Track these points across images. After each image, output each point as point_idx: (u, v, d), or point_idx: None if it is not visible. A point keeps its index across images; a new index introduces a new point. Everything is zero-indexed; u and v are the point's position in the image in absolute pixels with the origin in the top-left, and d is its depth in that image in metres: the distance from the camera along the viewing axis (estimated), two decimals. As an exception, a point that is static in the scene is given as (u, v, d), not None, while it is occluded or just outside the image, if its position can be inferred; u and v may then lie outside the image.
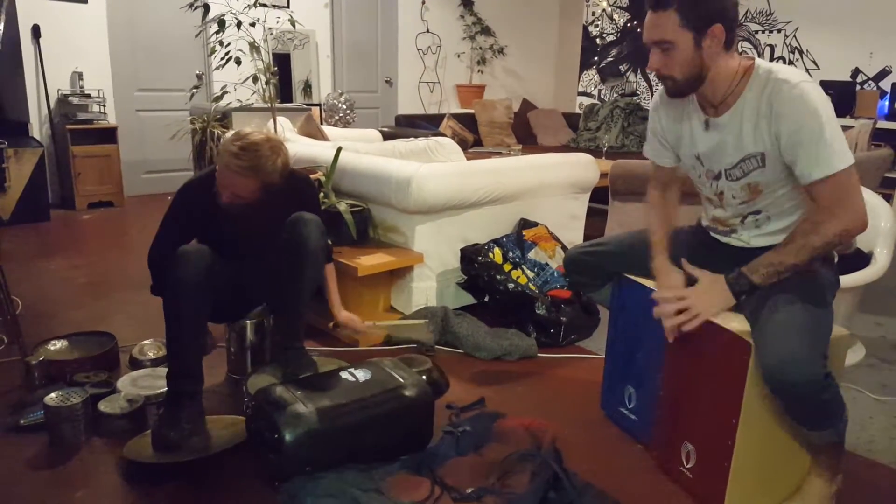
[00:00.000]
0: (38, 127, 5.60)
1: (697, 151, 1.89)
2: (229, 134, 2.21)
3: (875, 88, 6.08)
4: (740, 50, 6.82)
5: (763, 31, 6.77)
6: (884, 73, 6.04)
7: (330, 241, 2.49)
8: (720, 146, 1.82)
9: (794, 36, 6.55)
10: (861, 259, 2.70)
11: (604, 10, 8.29)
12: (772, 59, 6.70)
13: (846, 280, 2.52)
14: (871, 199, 2.83)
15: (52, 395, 2.15)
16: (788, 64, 6.52)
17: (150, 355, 2.70)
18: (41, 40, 5.48)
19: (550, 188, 3.63)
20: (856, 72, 6.20)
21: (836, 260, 1.90)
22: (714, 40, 1.69)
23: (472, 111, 7.18)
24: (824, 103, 1.64)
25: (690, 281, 1.91)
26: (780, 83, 1.67)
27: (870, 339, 3.12)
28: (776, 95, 1.67)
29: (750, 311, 1.74)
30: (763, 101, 1.69)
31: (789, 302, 1.65)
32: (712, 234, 2.03)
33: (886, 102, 5.85)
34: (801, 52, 6.53)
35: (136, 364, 2.66)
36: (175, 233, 2.26)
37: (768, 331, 1.63)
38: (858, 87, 6.14)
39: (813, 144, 1.63)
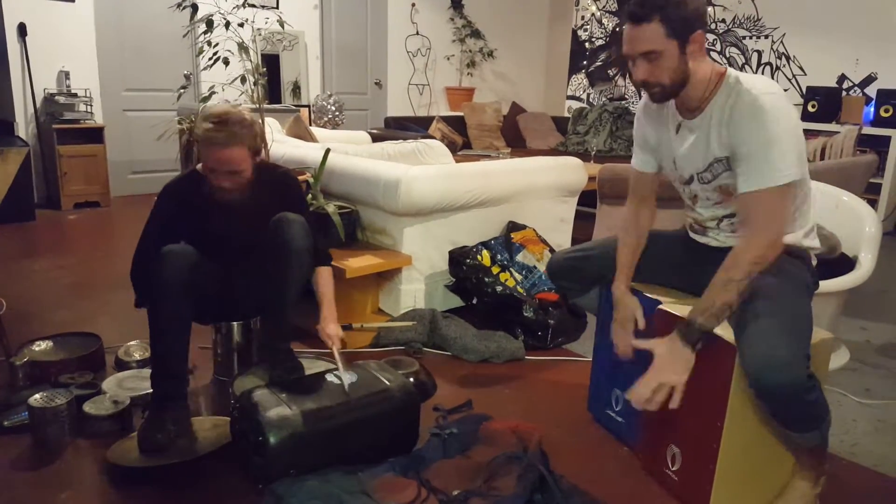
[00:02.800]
0: (23, 126, 5.55)
1: (674, 155, 1.94)
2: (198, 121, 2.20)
3: (861, 94, 6.14)
4: (727, 55, 6.88)
5: (750, 37, 6.82)
6: (869, 80, 6.10)
7: (329, 250, 2.49)
8: (692, 149, 1.86)
9: (782, 42, 6.59)
10: (846, 263, 2.72)
11: (593, 14, 8.33)
12: (759, 65, 6.75)
13: (831, 284, 2.54)
14: (856, 205, 2.86)
15: (37, 396, 2.14)
16: (775, 70, 6.58)
17: (136, 356, 2.68)
18: (27, 39, 5.44)
19: (539, 191, 3.64)
20: (842, 78, 6.25)
21: (814, 263, 1.92)
22: (696, 45, 1.73)
23: (461, 114, 7.18)
24: (783, 118, 1.66)
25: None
26: (743, 93, 1.71)
27: (854, 342, 3.14)
28: (736, 104, 1.72)
29: (733, 319, 1.75)
30: (726, 109, 1.74)
31: (768, 305, 1.67)
32: (691, 235, 2.07)
33: (872, 108, 5.90)
34: (787, 59, 6.58)
35: (121, 365, 2.65)
36: (158, 241, 2.20)
37: (749, 334, 1.64)
38: (844, 93, 6.19)
39: (756, 158, 1.67)
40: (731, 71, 1.78)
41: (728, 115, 1.73)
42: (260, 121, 2.24)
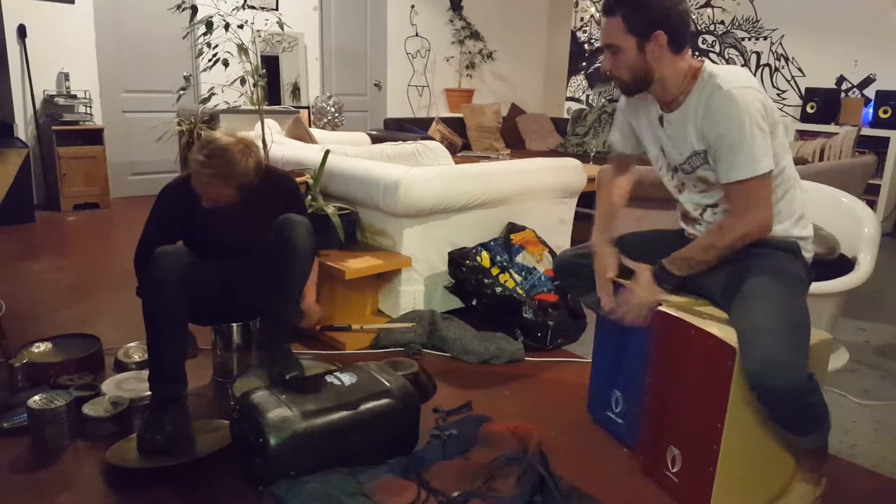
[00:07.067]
0: (23, 128, 5.55)
1: (660, 144, 1.98)
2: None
3: (859, 96, 6.14)
4: (727, 56, 6.86)
5: (749, 39, 6.82)
6: (868, 81, 6.10)
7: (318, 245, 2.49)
8: (672, 142, 1.91)
9: (780, 43, 6.60)
10: (845, 264, 2.72)
11: (592, 15, 8.33)
12: (758, 66, 6.75)
13: (830, 285, 2.54)
14: (855, 206, 2.86)
15: (36, 397, 2.13)
16: (774, 71, 6.58)
17: (136, 358, 2.68)
18: (27, 40, 5.44)
19: (538, 192, 3.64)
20: (840, 79, 6.26)
21: (808, 255, 1.91)
22: (657, 45, 1.78)
23: (460, 115, 7.18)
24: (752, 110, 1.70)
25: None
26: (715, 88, 1.76)
27: (853, 343, 3.15)
28: (709, 99, 1.76)
29: (731, 315, 1.78)
30: (701, 103, 1.79)
31: (765, 308, 1.68)
32: (682, 226, 2.11)
33: (870, 110, 5.91)
34: (786, 60, 6.58)
35: (121, 367, 2.64)
36: (159, 234, 2.24)
37: (747, 340, 1.65)
38: (843, 95, 6.19)
39: (732, 150, 1.73)
40: (707, 65, 1.82)
41: (703, 109, 1.78)
42: (258, 150, 2.20)
